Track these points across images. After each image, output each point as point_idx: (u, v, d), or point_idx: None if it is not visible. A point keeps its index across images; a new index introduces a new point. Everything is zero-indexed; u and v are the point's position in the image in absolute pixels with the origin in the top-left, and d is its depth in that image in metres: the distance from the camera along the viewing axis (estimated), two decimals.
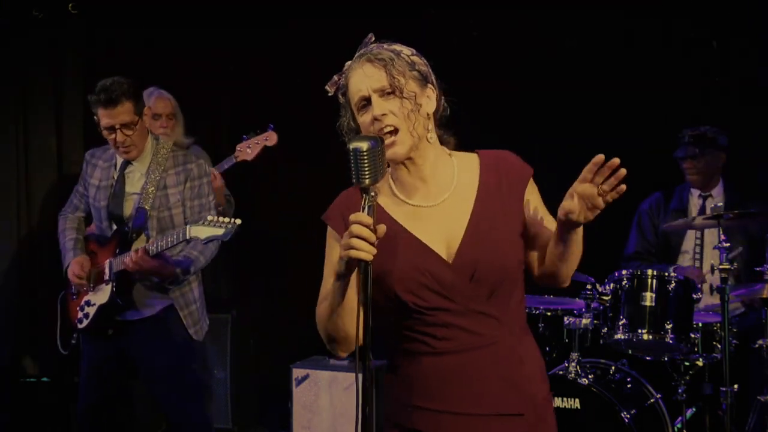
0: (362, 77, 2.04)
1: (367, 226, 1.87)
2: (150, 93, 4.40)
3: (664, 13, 4.82)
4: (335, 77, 2.13)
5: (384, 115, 2.02)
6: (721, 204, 4.06)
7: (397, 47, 2.10)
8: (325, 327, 2.07)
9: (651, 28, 4.86)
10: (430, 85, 2.10)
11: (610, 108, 4.85)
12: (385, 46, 2.09)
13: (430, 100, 2.09)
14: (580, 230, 2.03)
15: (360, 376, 1.87)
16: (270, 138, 4.51)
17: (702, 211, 4.55)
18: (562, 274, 2.12)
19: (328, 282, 2.07)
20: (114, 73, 3.69)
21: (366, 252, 1.87)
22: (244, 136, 4.52)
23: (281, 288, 5.51)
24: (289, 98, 5.26)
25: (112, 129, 3.63)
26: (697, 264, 4.52)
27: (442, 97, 2.14)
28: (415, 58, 2.10)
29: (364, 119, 2.05)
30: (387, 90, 2.03)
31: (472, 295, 2.06)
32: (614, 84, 4.83)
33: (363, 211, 1.89)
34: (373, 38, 2.13)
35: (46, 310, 4.96)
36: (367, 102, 2.04)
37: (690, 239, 4.58)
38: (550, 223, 2.12)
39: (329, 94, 2.15)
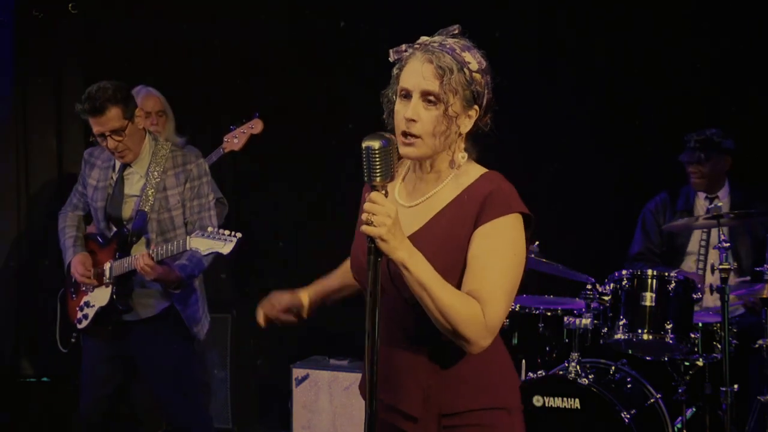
0: (416, 73, 2.00)
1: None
2: (138, 91, 4.31)
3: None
4: (404, 46, 2.06)
5: (414, 121, 2.00)
6: (723, 204, 4.03)
7: (468, 57, 2.01)
8: None
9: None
10: (476, 106, 2.04)
11: (617, 107, 4.83)
12: (458, 50, 2.01)
13: (469, 120, 2.05)
14: (409, 275, 1.90)
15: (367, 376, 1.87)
16: (256, 126, 4.49)
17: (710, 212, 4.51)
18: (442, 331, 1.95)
19: None
20: (114, 73, 3.67)
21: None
22: (232, 127, 4.51)
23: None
24: (287, 97, 5.25)
25: (102, 136, 3.57)
26: (701, 265, 4.48)
27: (487, 117, 2.08)
28: (477, 76, 2.02)
29: (398, 108, 2.04)
30: (431, 99, 1.99)
31: (394, 297, 2.05)
32: (621, 82, 4.83)
33: None
34: (457, 31, 2.06)
35: (46, 310, 4.96)
36: (409, 95, 2.02)
37: (695, 241, 4.53)
38: (474, 276, 1.97)
39: (390, 59, 2.08)
